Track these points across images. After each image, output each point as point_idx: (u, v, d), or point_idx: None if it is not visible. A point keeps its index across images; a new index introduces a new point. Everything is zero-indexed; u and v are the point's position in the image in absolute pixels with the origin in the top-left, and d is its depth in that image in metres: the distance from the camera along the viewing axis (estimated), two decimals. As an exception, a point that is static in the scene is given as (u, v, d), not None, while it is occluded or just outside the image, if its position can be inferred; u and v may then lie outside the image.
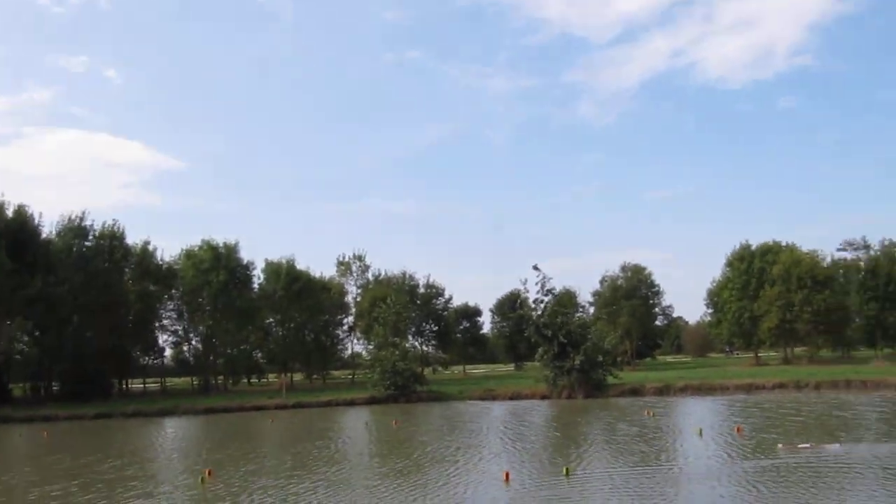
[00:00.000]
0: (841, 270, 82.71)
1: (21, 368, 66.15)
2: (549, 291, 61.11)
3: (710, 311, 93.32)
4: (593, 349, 56.40)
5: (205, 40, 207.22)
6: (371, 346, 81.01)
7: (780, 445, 24.64)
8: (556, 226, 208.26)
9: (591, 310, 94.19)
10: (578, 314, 71.21)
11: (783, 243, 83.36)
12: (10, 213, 65.24)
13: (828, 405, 39.77)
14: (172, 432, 43.81)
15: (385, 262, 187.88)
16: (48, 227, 71.56)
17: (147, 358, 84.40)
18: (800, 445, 24.40)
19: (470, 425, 38.90)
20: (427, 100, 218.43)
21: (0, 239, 60.50)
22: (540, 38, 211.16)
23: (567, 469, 21.36)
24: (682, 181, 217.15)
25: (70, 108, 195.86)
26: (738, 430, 29.93)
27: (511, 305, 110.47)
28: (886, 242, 79.87)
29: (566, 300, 71.94)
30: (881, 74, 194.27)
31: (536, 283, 61.80)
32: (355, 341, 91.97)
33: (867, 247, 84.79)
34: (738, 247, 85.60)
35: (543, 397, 56.44)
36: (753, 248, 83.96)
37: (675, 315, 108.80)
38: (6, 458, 32.02)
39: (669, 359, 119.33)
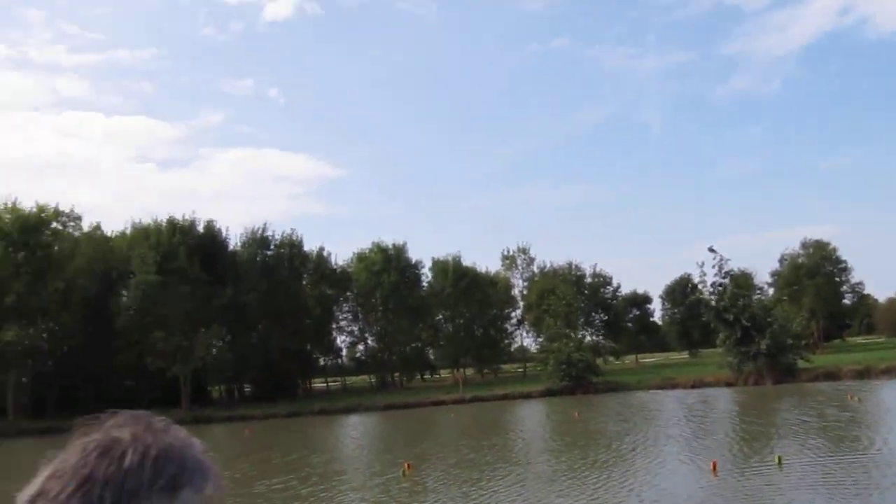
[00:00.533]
0: None
1: (216, 372, 71.27)
2: (728, 273, 58.42)
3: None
4: (780, 332, 53.31)
5: (352, 52, 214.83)
6: (541, 339, 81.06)
7: None
8: (722, 204, 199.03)
9: (771, 291, 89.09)
10: (756, 296, 67.54)
11: None
12: (200, 228, 70.58)
13: None
14: (361, 428, 45.60)
15: (548, 254, 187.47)
16: (232, 239, 76.99)
17: (326, 358, 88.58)
18: None
19: (658, 414, 37.82)
20: (576, 87, 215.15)
21: (194, 254, 65.41)
22: (689, 11, 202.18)
23: (779, 458, 20.17)
24: (859, 148, 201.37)
25: (239, 127, 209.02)
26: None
27: (682, 290, 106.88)
28: None
29: (742, 282, 68.40)
30: None
31: (713, 266, 59.27)
32: (524, 334, 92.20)
33: None
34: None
35: (728, 384, 53.99)
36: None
37: (864, 293, 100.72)
38: (220, 454, 34.43)
39: (860, 340, 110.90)
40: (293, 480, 22.42)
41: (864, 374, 50.20)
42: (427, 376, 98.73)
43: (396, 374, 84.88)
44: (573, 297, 71.60)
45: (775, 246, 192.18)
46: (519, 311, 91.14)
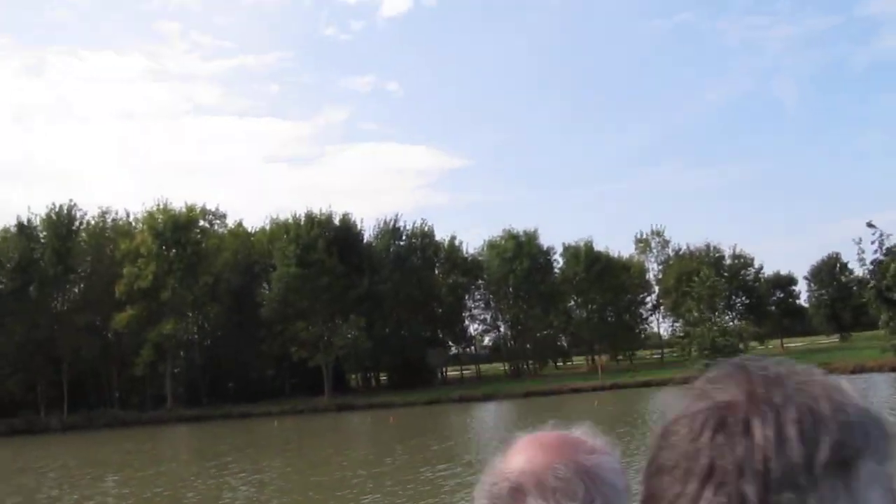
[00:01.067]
0: None
1: (355, 361, 72.96)
2: (890, 250, 54.21)
3: None
4: (954, 312, 49.00)
5: (472, 40, 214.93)
6: (679, 324, 78.34)
7: None
8: (867, 178, 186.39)
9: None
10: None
11: None
12: (336, 221, 72.44)
13: None
14: (508, 415, 45.25)
15: (684, 236, 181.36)
16: (366, 232, 78.59)
17: (459, 347, 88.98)
18: None
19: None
20: (705, 63, 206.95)
21: (332, 246, 67.18)
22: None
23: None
24: None
25: (361, 123, 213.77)
26: None
27: (829, 271, 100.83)
28: None
29: (888, 265, 63.36)
30: None
31: (872, 242, 55.14)
32: (660, 319, 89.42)
33: None
34: None
35: (893, 369, 50.28)
36: None
37: None
38: (371, 441, 35.05)
39: None
40: (457, 468, 22.31)
41: None
42: (560, 363, 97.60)
43: (530, 362, 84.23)
44: (716, 279, 68.54)
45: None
46: (654, 296, 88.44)
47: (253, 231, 79.52)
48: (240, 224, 79.24)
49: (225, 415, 60.67)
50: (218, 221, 75.96)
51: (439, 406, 57.35)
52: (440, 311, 79.90)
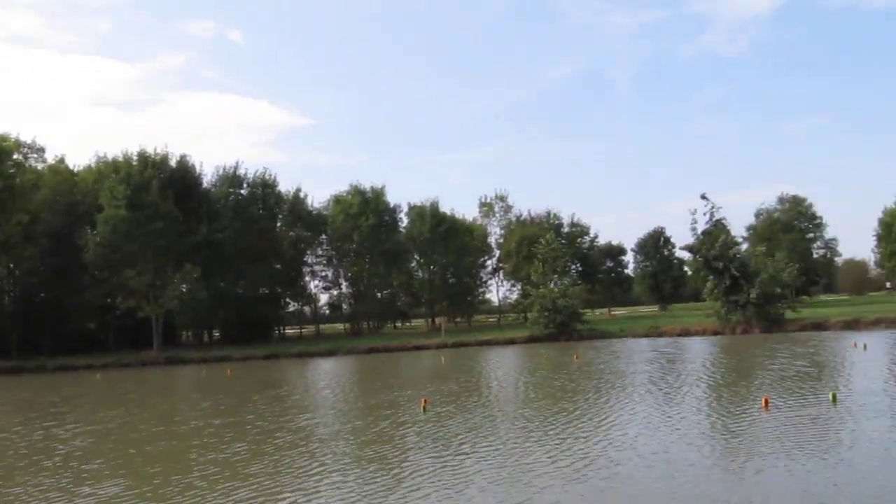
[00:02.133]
0: None
1: (188, 314, 68.86)
2: (718, 222, 57.87)
3: (877, 244, 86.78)
4: (769, 282, 53.07)
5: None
6: (518, 288, 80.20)
7: None
8: (689, 162, 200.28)
9: (745, 245, 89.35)
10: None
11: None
12: (173, 163, 67.33)
13: None
14: (356, 368, 44.00)
15: (526, 203, 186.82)
16: (205, 179, 73.79)
17: (299, 303, 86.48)
18: None
19: (673, 358, 37.13)
20: (547, 41, 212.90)
21: (167, 189, 62.42)
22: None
23: (834, 395, 19.31)
24: (823, 111, 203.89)
25: (201, 70, 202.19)
26: None
27: (654, 244, 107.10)
28: None
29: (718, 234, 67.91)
30: None
31: (704, 214, 58.69)
32: (500, 283, 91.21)
33: None
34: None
35: (715, 333, 53.85)
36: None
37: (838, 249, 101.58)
38: (222, 392, 32.74)
39: (823, 297, 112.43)
40: (325, 416, 20.90)
41: (851, 324, 50.28)
42: (399, 324, 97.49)
43: (371, 322, 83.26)
44: (558, 244, 70.54)
45: (742, 206, 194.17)
46: (494, 260, 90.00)
47: (77, 170, 72.53)
48: (62, 160, 72.06)
49: (39, 367, 55.37)
50: (35, 155, 68.67)
51: (279, 361, 55.24)
52: (279, 266, 77.02)
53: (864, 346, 35.81)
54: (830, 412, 17.53)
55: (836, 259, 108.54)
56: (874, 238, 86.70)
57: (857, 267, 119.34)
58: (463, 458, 14.23)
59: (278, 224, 77.51)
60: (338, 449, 16.10)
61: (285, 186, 78.03)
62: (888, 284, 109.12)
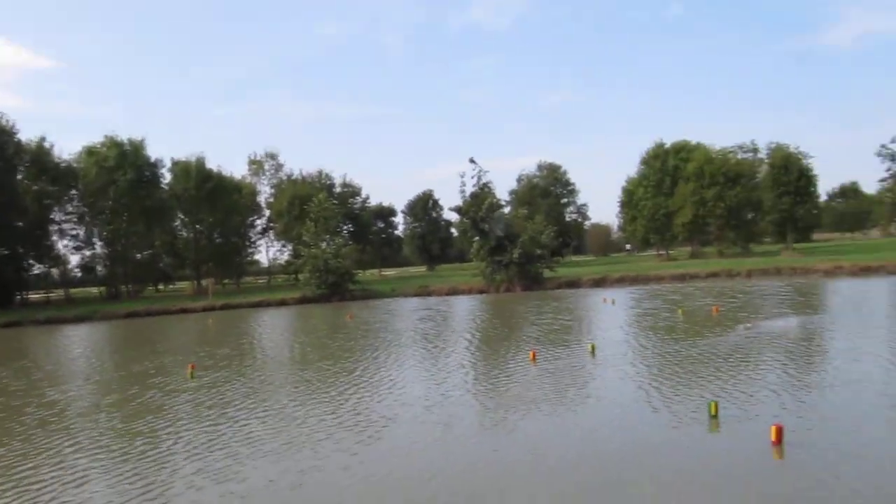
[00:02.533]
0: (757, 164, 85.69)
1: None
2: (486, 185, 60.38)
3: (620, 210, 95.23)
4: (530, 243, 56.45)
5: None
6: (290, 248, 78.72)
7: (746, 325, 24.86)
8: (458, 129, 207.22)
9: (508, 209, 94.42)
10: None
11: (694, 142, 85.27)
12: None
13: (781, 288, 41.32)
14: (115, 335, 40.80)
15: (297, 163, 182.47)
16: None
17: (45, 265, 78.42)
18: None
19: (445, 315, 38.19)
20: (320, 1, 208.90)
21: None
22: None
23: (592, 346, 20.92)
24: (581, 85, 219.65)
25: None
26: (714, 310, 30.42)
27: (423, 206, 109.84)
28: (773, 146, 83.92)
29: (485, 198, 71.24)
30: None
31: (472, 177, 60.90)
32: (270, 244, 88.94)
33: (755, 150, 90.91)
34: (652, 145, 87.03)
35: (481, 292, 56.43)
36: (667, 146, 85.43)
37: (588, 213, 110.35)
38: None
39: (574, 258, 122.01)
40: (86, 387, 19.00)
41: (600, 282, 54.97)
42: (161, 287, 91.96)
43: (129, 285, 77.56)
44: (331, 203, 69.87)
45: (507, 172, 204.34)
46: (264, 220, 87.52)
47: None
48: None
49: None
50: None
51: (23, 329, 49.94)
52: (21, 224, 69.10)
53: (613, 301, 39.30)
54: (589, 362, 18.94)
55: (586, 223, 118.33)
56: (618, 204, 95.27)
57: (602, 230, 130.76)
58: (240, 426, 13.62)
59: (19, 177, 69.38)
60: (100, 423, 14.74)
61: (27, 135, 69.80)
62: (628, 246, 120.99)
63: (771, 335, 21.93)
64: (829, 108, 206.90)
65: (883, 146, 67.73)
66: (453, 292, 57.44)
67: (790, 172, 75.85)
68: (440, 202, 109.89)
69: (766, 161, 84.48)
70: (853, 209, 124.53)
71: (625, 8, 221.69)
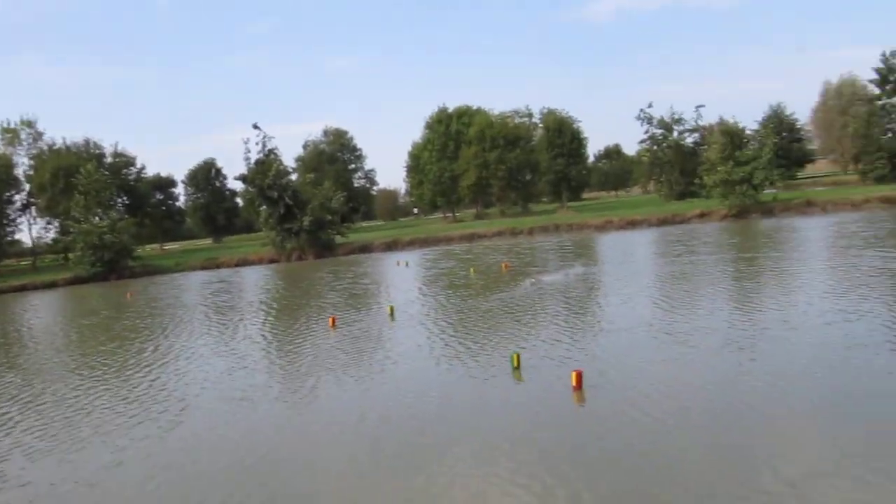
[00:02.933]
0: (532, 129, 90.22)
1: None
2: (272, 152, 58.55)
3: (406, 174, 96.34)
4: (320, 209, 55.71)
5: None
6: (57, 224, 71.98)
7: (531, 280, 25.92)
8: (240, 95, 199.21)
9: (295, 176, 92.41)
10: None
11: (475, 107, 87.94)
12: None
13: (561, 243, 43.89)
14: None
15: (60, 131, 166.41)
16: None
17: None
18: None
19: (238, 287, 36.70)
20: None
21: None
22: None
23: (391, 309, 21.02)
24: (366, 49, 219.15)
25: None
26: (504, 266, 31.68)
27: (205, 175, 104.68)
28: (546, 111, 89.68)
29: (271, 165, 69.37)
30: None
31: (257, 144, 58.89)
32: (34, 221, 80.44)
33: (530, 115, 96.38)
34: (436, 110, 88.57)
35: (272, 261, 55.09)
36: (450, 111, 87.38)
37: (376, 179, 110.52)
38: None
39: (364, 224, 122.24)
40: None
41: (392, 245, 55.50)
42: None
43: None
44: (102, 174, 64.41)
45: (293, 138, 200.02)
46: (24, 195, 78.94)
47: None
48: None
49: None
50: None
51: None
52: None
53: (406, 264, 39.83)
54: (389, 325, 19.00)
55: (374, 188, 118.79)
56: (404, 169, 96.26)
57: (390, 195, 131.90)
58: (14, 424, 12.15)
59: None
60: None
61: None
62: (415, 210, 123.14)
63: (557, 287, 23.19)
64: (593, 75, 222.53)
65: (641, 110, 73.69)
66: (243, 263, 55.55)
67: (564, 135, 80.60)
68: (223, 170, 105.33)
69: (541, 125, 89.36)
70: (616, 169, 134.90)
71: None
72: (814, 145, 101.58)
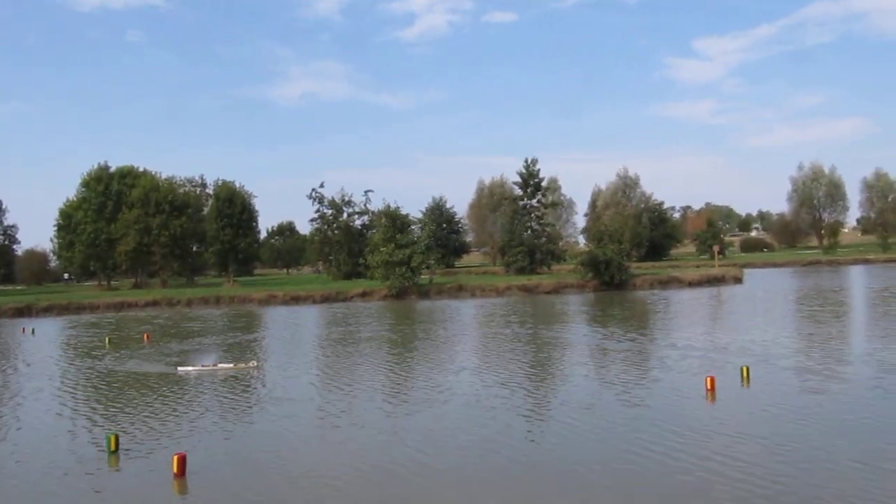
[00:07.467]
0: (204, 198, 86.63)
1: None
2: None
3: (56, 234, 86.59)
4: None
5: None
6: None
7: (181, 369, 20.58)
8: None
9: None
10: None
11: (141, 168, 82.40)
12: None
13: (218, 316, 41.65)
14: None
15: None
16: None
17: None
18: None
19: None
20: None
21: None
22: None
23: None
24: (18, 99, 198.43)
25: None
26: (146, 337, 29.15)
27: None
28: (220, 182, 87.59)
29: None
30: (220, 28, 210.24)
31: None
32: None
33: (203, 185, 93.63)
34: (95, 167, 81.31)
35: None
36: (112, 170, 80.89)
37: (18, 237, 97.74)
38: None
39: (1, 287, 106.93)
40: None
41: (24, 311, 48.82)
42: None
43: None
44: None
45: None
46: None
47: None
48: None
49: None
50: None
51: None
52: None
53: (33, 331, 35.19)
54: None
55: (16, 247, 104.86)
56: (55, 228, 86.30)
57: (38, 256, 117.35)
58: None
59: None
60: None
61: None
62: (66, 275, 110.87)
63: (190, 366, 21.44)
64: (274, 152, 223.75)
65: (314, 189, 74.61)
66: None
67: (234, 205, 78.19)
68: None
69: (212, 194, 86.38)
70: (289, 247, 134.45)
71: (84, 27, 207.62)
72: (469, 237, 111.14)
